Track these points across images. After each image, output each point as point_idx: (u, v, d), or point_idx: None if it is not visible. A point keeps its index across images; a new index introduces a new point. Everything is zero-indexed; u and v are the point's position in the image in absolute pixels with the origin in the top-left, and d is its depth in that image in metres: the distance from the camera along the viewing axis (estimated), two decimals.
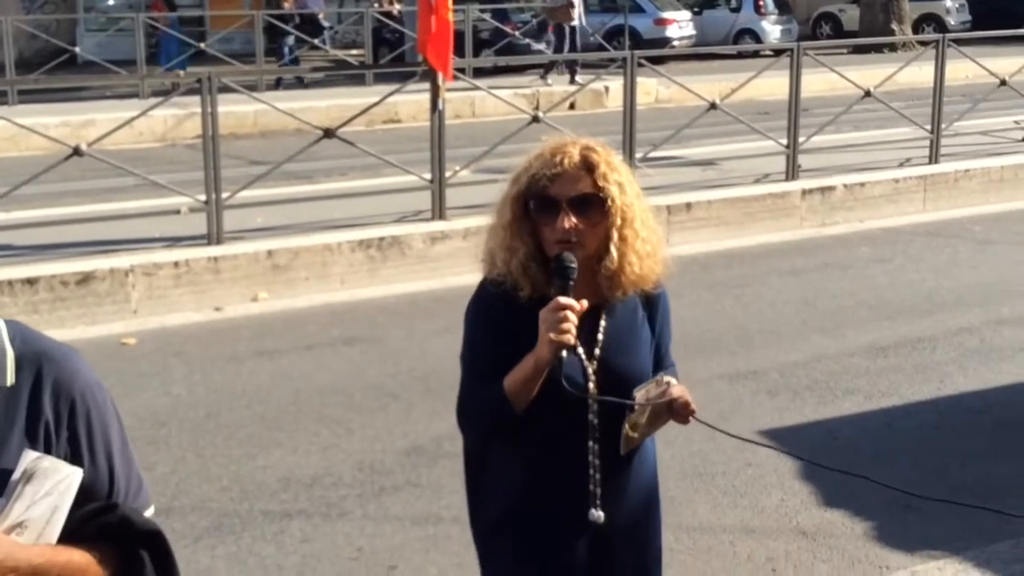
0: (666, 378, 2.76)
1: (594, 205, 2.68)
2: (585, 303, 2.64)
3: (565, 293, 2.61)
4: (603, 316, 2.77)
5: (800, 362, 7.18)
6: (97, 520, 2.06)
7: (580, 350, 2.71)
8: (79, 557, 2.03)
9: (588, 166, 2.69)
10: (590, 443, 2.75)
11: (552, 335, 2.57)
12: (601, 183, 2.68)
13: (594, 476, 2.75)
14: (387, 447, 5.99)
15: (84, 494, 2.04)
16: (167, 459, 5.80)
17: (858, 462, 5.50)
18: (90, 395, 2.13)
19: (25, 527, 1.95)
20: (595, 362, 2.74)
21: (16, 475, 1.97)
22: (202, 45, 20.64)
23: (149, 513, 2.18)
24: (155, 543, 2.11)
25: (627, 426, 2.72)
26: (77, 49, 21.19)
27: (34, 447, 2.02)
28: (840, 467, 5.47)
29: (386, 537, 5.06)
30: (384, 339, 7.81)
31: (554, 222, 2.66)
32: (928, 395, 6.64)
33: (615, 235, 2.70)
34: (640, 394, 2.71)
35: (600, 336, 2.76)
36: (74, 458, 2.06)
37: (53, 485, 1.98)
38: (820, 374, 6.97)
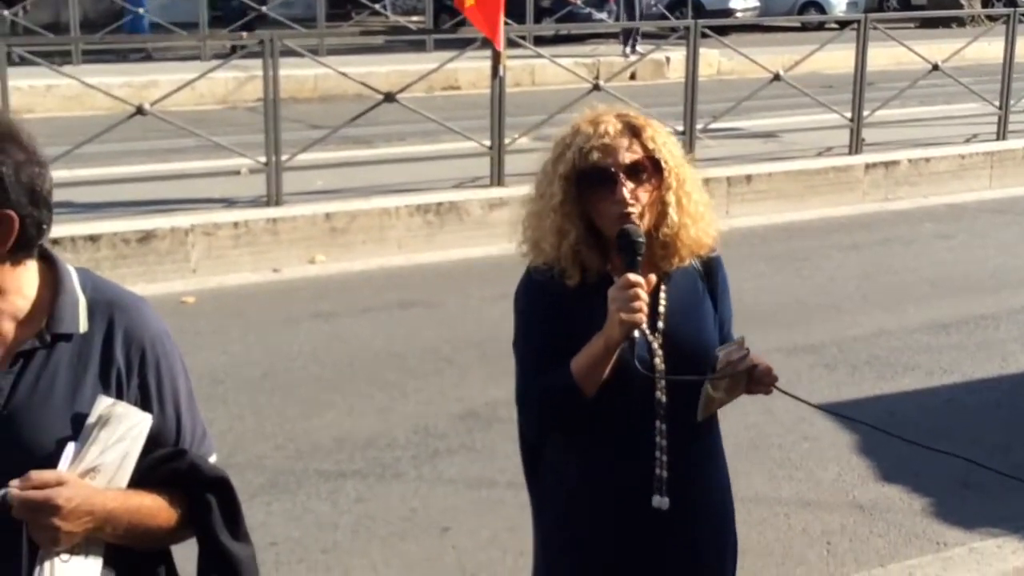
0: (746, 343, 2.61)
1: (650, 170, 2.55)
2: (653, 278, 2.53)
3: (633, 269, 2.47)
4: (663, 287, 2.63)
5: (860, 337, 7.11)
6: (166, 466, 2.09)
7: (643, 324, 2.53)
8: (150, 501, 2.05)
9: (633, 131, 2.57)
10: (657, 423, 2.58)
11: (624, 315, 2.42)
12: (651, 146, 2.55)
13: (660, 459, 2.58)
14: (441, 411, 6.01)
15: (152, 441, 2.07)
16: (224, 416, 5.85)
17: (917, 439, 5.43)
18: (159, 344, 2.16)
19: (98, 471, 1.98)
20: (659, 336, 2.59)
21: (91, 419, 1.99)
22: (264, 8, 20.67)
23: (212, 460, 2.20)
24: (222, 489, 2.13)
25: (708, 387, 2.55)
26: (141, 10, 21.29)
27: (107, 393, 2.04)
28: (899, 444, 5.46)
29: (440, 499, 5.08)
30: (440, 304, 7.83)
31: (611, 195, 2.52)
32: (991, 373, 6.55)
33: (672, 199, 2.58)
34: (723, 354, 2.56)
35: (662, 308, 2.61)
36: (143, 405, 2.08)
37: (126, 430, 2.00)
38: (880, 350, 6.89)
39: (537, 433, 2.73)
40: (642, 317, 2.45)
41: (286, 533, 4.78)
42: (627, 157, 2.54)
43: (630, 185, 2.53)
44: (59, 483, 1.92)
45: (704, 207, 2.65)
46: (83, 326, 2.09)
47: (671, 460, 2.59)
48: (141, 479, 2.05)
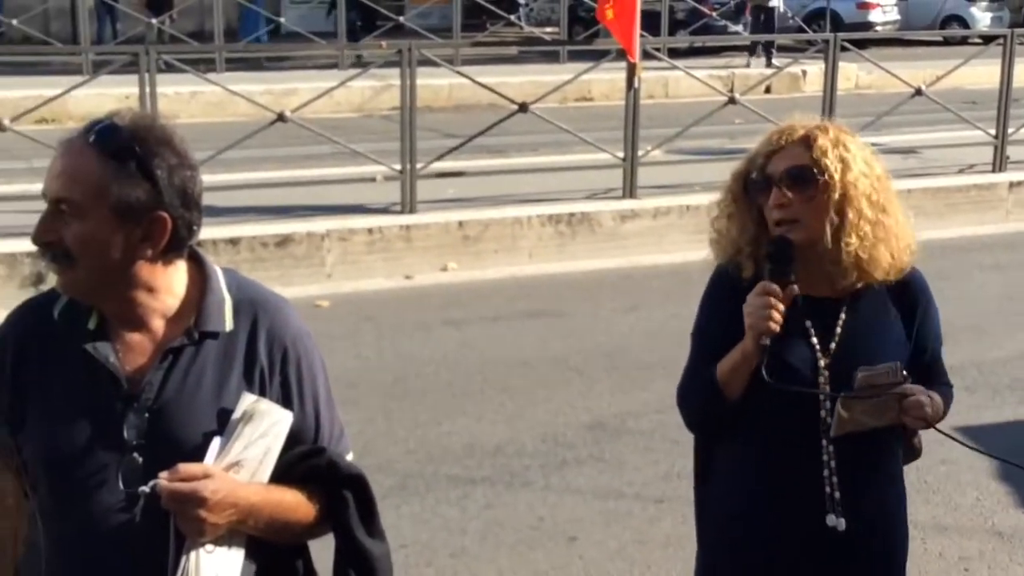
0: (904, 370, 2.53)
1: (807, 179, 2.51)
2: (796, 288, 2.47)
3: (779, 277, 2.46)
4: (844, 309, 2.59)
5: (1001, 360, 6.90)
6: (305, 463, 2.13)
7: (815, 341, 2.54)
8: (290, 497, 2.10)
9: (808, 142, 2.55)
10: (823, 442, 2.54)
11: (751, 321, 2.44)
12: (817, 155, 2.52)
13: (830, 478, 2.54)
14: (570, 420, 6.01)
15: (292, 437, 2.11)
16: (356, 419, 5.92)
17: None
18: (300, 343, 2.19)
19: (241, 466, 2.02)
20: (828, 356, 2.55)
21: (236, 415, 2.04)
22: (401, 19, 20.98)
23: (349, 458, 2.24)
24: (359, 486, 2.17)
25: (839, 406, 2.48)
26: (282, 20, 21.80)
27: (250, 390, 2.08)
28: None
29: (568, 508, 5.08)
30: (570, 314, 7.83)
31: (769, 200, 2.54)
32: None
33: (831, 211, 2.52)
34: (862, 375, 2.48)
35: (838, 330, 2.57)
36: (285, 403, 2.12)
37: (268, 427, 2.05)
38: (1023, 373, 6.68)
39: (695, 427, 2.74)
40: (772, 326, 2.44)
41: (415, 536, 4.82)
42: (784, 165, 2.55)
43: (788, 193, 2.53)
44: (205, 476, 1.97)
45: (886, 229, 2.57)
46: (229, 324, 2.14)
47: (841, 479, 2.55)
48: (281, 475, 2.09)
